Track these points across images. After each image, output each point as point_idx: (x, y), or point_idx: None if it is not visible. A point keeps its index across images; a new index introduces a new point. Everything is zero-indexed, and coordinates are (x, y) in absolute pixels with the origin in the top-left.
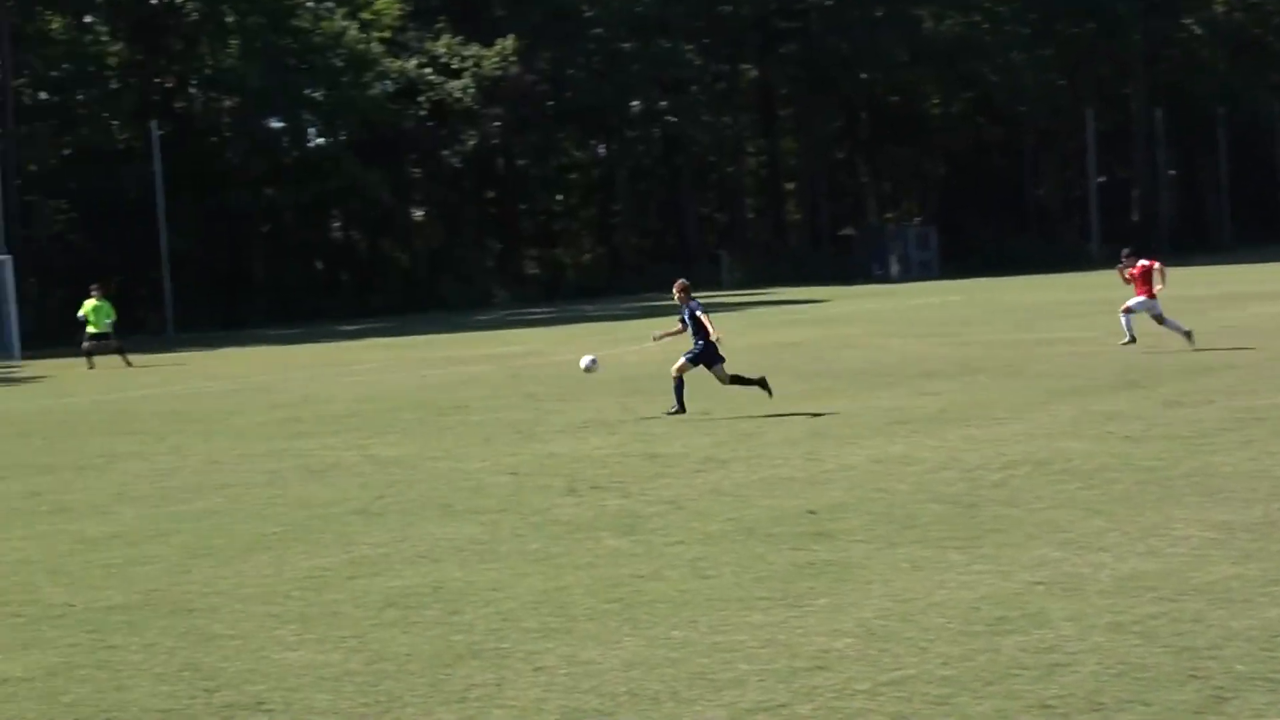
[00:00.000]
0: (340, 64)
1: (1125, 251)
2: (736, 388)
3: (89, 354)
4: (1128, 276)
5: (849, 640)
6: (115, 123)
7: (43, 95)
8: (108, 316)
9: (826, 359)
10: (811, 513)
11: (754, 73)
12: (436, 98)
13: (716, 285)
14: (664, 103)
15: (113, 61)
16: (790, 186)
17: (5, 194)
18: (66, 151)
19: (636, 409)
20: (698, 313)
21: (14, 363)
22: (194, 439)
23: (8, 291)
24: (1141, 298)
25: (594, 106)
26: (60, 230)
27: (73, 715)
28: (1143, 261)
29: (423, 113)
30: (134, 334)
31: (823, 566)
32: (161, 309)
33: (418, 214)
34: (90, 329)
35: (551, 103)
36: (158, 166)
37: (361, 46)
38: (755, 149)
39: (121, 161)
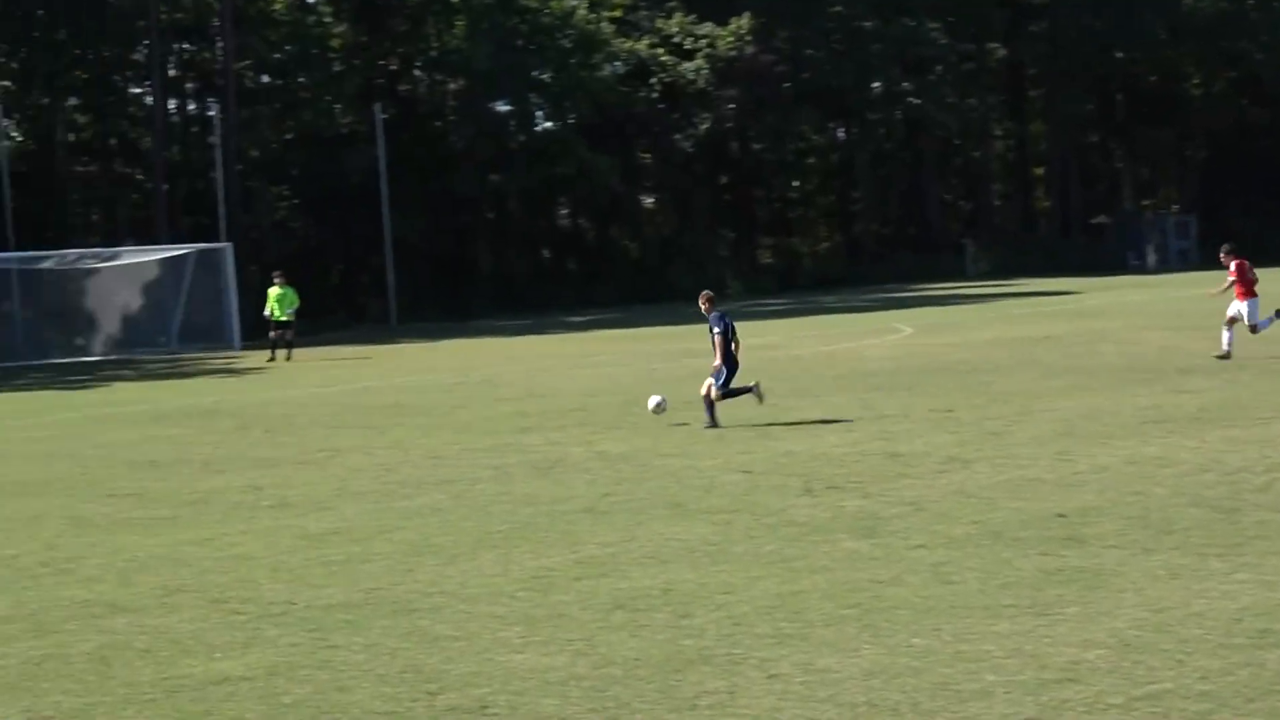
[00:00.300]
0: (569, 45)
1: (1225, 248)
2: (729, 400)
3: (274, 345)
4: (1225, 286)
5: (1101, 651)
6: (338, 106)
7: (265, 78)
8: (291, 305)
9: (1078, 354)
10: (1062, 516)
11: (1002, 52)
12: (669, 79)
13: (960, 276)
14: (906, 84)
15: (336, 43)
16: (1039, 171)
17: (226, 179)
18: (288, 136)
19: (877, 405)
20: (714, 329)
21: (234, 353)
22: (417, 433)
23: (228, 280)
24: (1242, 303)
25: (833, 88)
26: (281, 217)
27: (293, 716)
28: (1236, 260)
29: (654, 95)
30: (356, 324)
31: (1073, 573)
32: (384, 298)
33: (648, 201)
34: (275, 317)
35: (788, 84)
36: (381, 151)
37: (591, 26)
38: (1002, 132)
39: (344, 146)
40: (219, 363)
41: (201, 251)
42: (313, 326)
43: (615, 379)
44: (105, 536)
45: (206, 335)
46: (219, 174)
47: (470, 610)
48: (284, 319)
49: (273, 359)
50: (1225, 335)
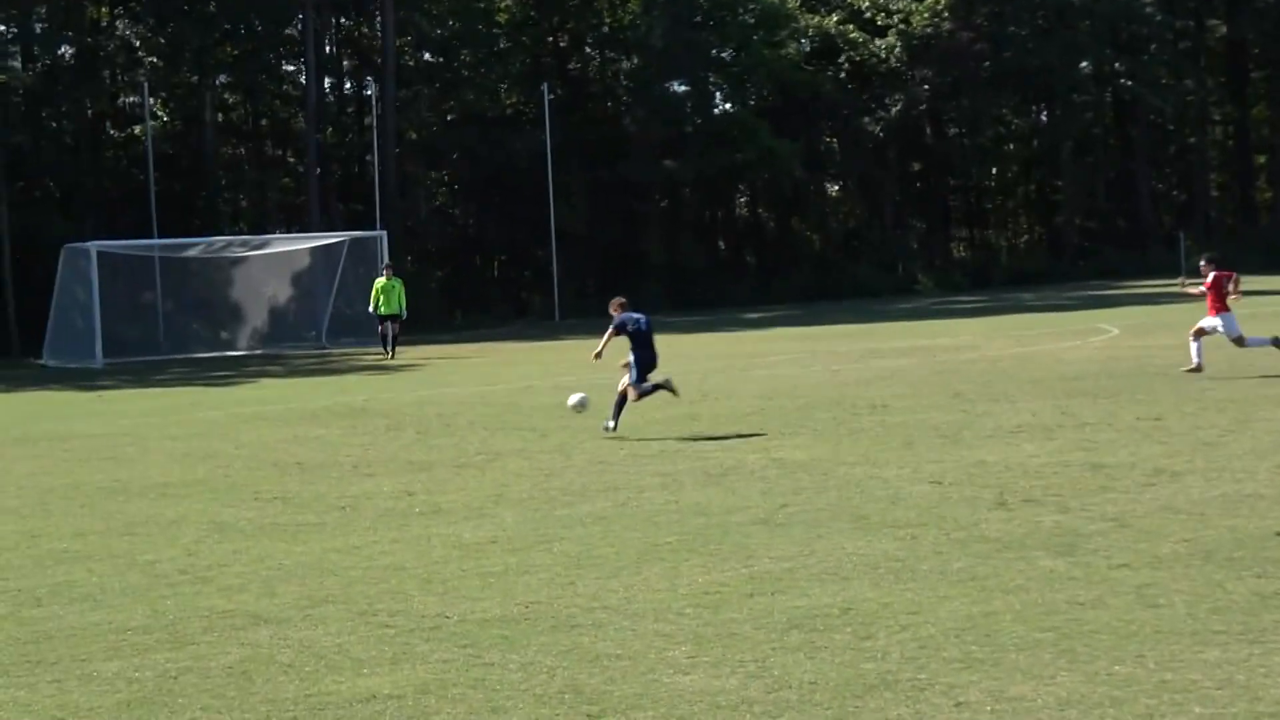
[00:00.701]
0: (751, 20)
1: (1205, 259)
2: (647, 400)
3: (384, 338)
4: (1196, 290)
5: None
6: (503, 86)
7: (425, 56)
8: (400, 299)
9: None
10: None
11: (1222, 29)
12: (858, 58)
13: (1174, 272)
14: (1117, 64)
15: (502, 19)
16: (1261, 160)
17: (382, 164)
18: (449, 117)
19: (1078, 412)
20: (613, 327)
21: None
22: (581, 436)
23: (382, 271)
24: (1214, 318)
25: (1036, 68)
26: (440, 204)
27: None
28: (1215, 271)
29: (842, 75)
30: (518, 319)
31: None
32: (548, 291)
33: (833, 189)
34: (382, 310)
35: (988, 63)
36: (548, 134)
37: (775, 1)
38: (1221, 116)
39: (508, 128)
40: (371, 359)
41: (355, 240)
42: (472, 321)
43: (794, 381)
44: (248, 543)
45: (358, 330)
46: (375, 158)
47: (635, 627)
48: (391, 312)
49: (388, 355)
50: (1194, 347)
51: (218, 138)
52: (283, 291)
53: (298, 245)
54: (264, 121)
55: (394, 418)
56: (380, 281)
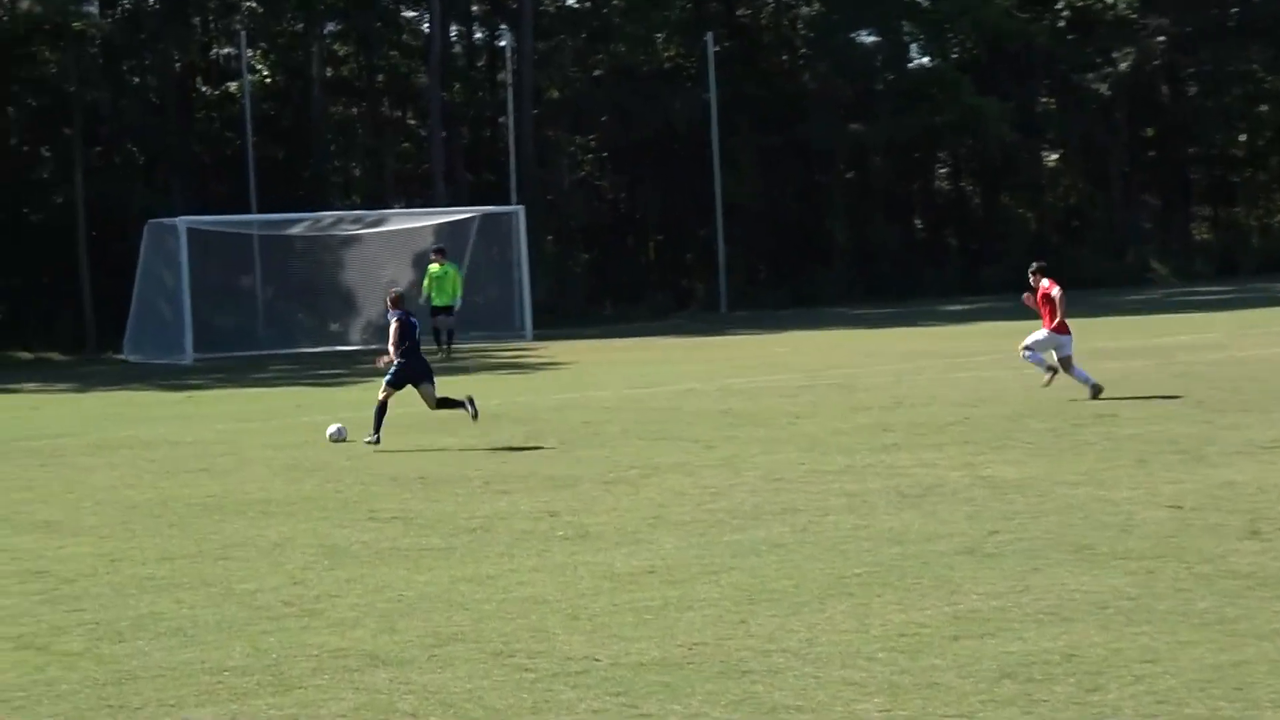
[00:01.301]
0: None
1: (1033, 267)
2: (444, 411)
3: (436, 333)
4: (1027, 301)
5: None
6: (659, 36)
7: (569, 1)
8: (455, 287)
9: None
10: None
11: None
12: (1080, 5)
13: None
14: None
15: None
16: None
17: (518, 126)
18: (596, 73)
19: None
20: (392, 323)
21: (525, 344)
22: (752, 448)
23: (519, 252)
24: (1045, 332)
25: None
26: (586, 174)
27: None
28: (1046, 283)
29: (1060, 24)
30: (678, 310)
31: None
32: (713, 277)
33: (1050, 158)
34: (434, 302)
35: (1235, 9)
36: (712, 93)
37: None
38: None
39: (666, 86)
40: (505, 355)
41: (487, 216)
42: (624, 312)
43: (1004, 385)
44: (363, 570)
45: (491, 321)
46: (509, 120)
47: (818, 674)
48: (444, 304)
49: (443, 352)
50: (1027, 357)
51: (326, 96)
52: (402, 276)
53: (420, 222)
54: (380, 77)
55: (533, 425)
56: (432, 268)
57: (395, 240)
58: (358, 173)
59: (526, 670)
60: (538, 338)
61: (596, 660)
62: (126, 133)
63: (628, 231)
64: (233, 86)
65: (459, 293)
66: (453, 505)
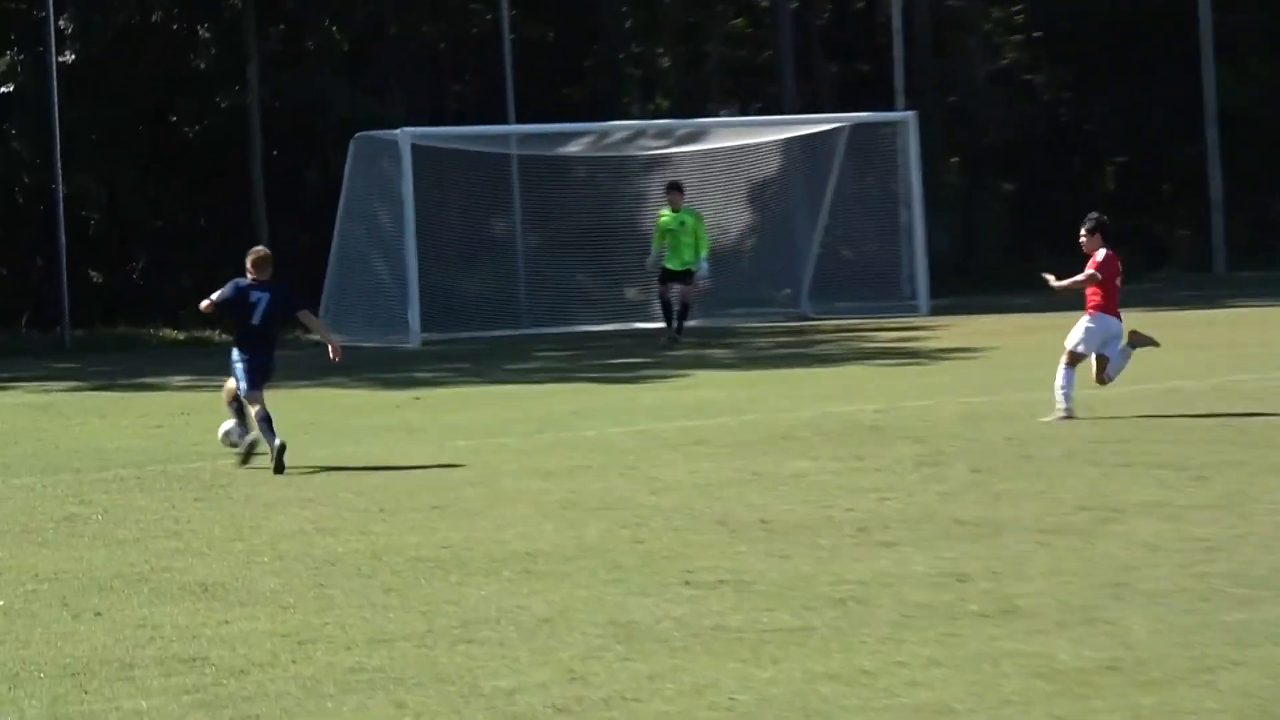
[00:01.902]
0: None
1: (1089, 222)
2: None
3: (666, 309)
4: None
5: None
6: None
7: None
8: (697, 244)
9: None
10: None
11: None
12: None
13: None
14: None
15: None
16: None
17: None
18: None
19: None
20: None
21: (919, 320)
22: (1267, 480)
23: (908, 184)
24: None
25: None
26: (1007, 63)
27: None
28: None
29: None
30: (1155, 270)
31: None
32: (1203, 221)
33: None
34: (666, 264)
35: None
36: None
37: None
38: None
39: None
40: (888, 338)
41: (858, 127)
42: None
43: None
44: (674, 660)
45: (867, 287)
46: None
47: None
48: (677, 267)
49: (667, 336)
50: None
51: None
52: (734, 218)
53: (759, 136)
54: None
55: (930, 442)
56: (664, 216)
57: (720, 164)
58: (666, 63)
59: None
60: (937, 311)
61: None
62: (323, 6)
63: (1073, 152)
64: None
65: (704, 250)
66: (810, 564)
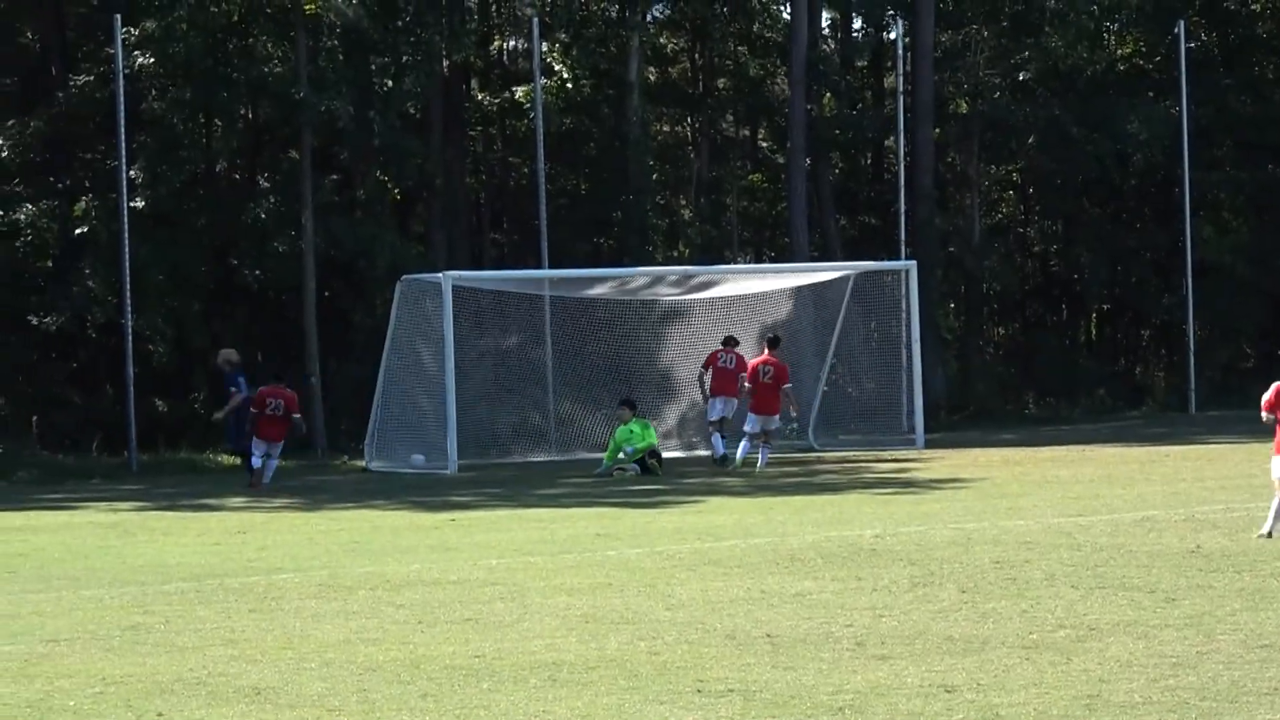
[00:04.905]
0: None
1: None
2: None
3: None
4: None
5: None
6: (1109, 27)
7: None
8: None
9: None
10: None
11: None
12: None
13: None
14: None
15: None
16: None
17: (911, 153)
18: (1022, 76)
19: None
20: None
21: (915, 453)
22: (1231, 602)
23: (909, 328)
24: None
25: None
26: (1004, 218)
27: None
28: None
29: None
30: (1127, 408)
31: None
32: (1179, 365)
33: None
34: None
35: None
36: (1184, 108)
37: None
38: None
39: (1118, 97)
40: (887, 468)
41: (864, 276)
42: (1052, 411)
43: None
44: None
45: (869, 421)
46: (899, 142)
47: None
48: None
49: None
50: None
51: (646, 105)
52: (748, 359)
53: (771, 283)
54: (721, 83)
55: (923, 564)
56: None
57: (736, 308)
58: (687, 214)
59: None
60: (932, 444)
61: None
62: (373, 156)
63: (1060, 300)
64: (519, 94)
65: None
66: (812, 676)
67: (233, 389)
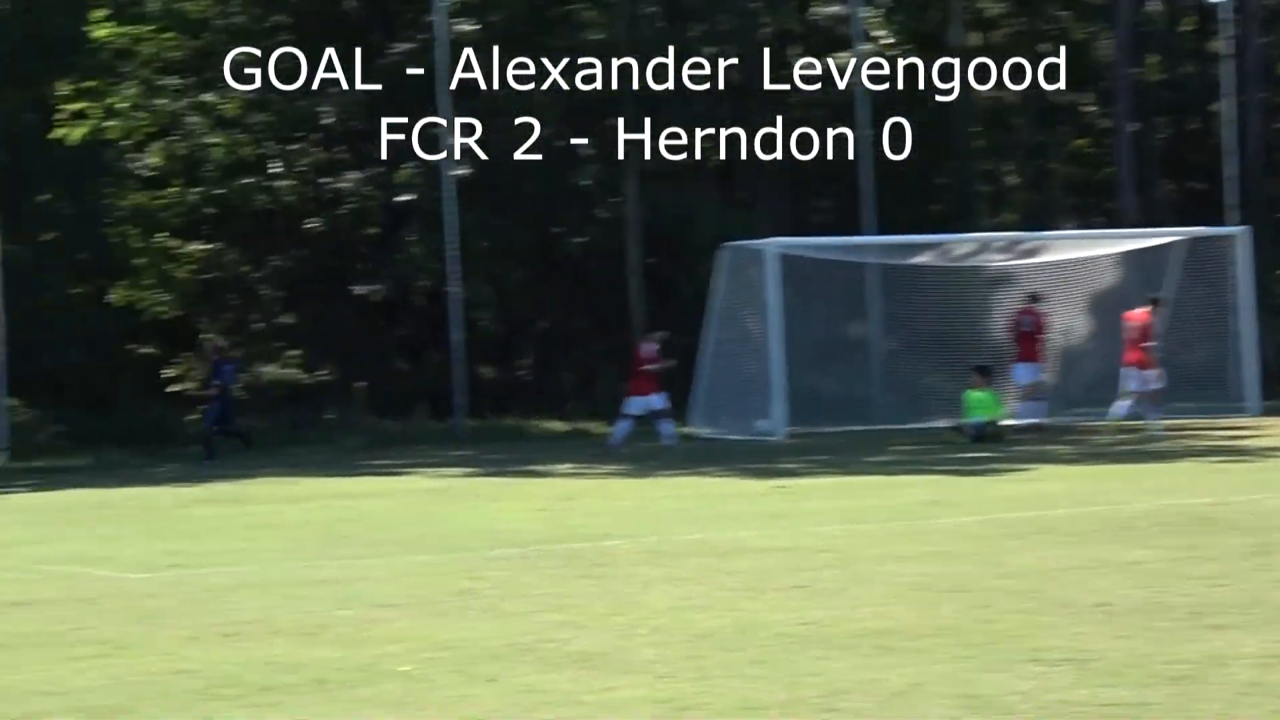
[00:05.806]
0: None
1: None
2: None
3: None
4: None
5: None
6: None
7: None
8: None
9: None
10: None
11: None
12: None
13: None
14: None
15: None
16: None
17: (1240, 117)
18: None
19: None
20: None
21: (1250, 420)
22: None
23: (1240, 293)
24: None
25: None
26: None
27: None
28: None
29: None
30: None
31: None
32: None
33: None
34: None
35: None
36: None
37: None
38: None
39: None
40: (1219, 436)
41: (1194, 241)
42: None
43: None
44: None
45: (1200, 389)
46: (1226, 106)
47: None
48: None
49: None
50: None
51: (970, 72)
52: (1076, 323)
53: (1097, 249)
54: (1045, 47)
55: (1260, 533)
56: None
57: (1063, 275)
58: (1012, 180)
59: None
60: (1270, 411)
61: None
62: (692, 122)
63: None
64: (838, 61)
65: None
66: (1148, 644)
67: (217, 382)
